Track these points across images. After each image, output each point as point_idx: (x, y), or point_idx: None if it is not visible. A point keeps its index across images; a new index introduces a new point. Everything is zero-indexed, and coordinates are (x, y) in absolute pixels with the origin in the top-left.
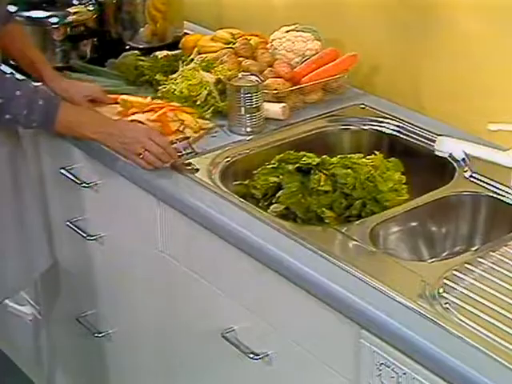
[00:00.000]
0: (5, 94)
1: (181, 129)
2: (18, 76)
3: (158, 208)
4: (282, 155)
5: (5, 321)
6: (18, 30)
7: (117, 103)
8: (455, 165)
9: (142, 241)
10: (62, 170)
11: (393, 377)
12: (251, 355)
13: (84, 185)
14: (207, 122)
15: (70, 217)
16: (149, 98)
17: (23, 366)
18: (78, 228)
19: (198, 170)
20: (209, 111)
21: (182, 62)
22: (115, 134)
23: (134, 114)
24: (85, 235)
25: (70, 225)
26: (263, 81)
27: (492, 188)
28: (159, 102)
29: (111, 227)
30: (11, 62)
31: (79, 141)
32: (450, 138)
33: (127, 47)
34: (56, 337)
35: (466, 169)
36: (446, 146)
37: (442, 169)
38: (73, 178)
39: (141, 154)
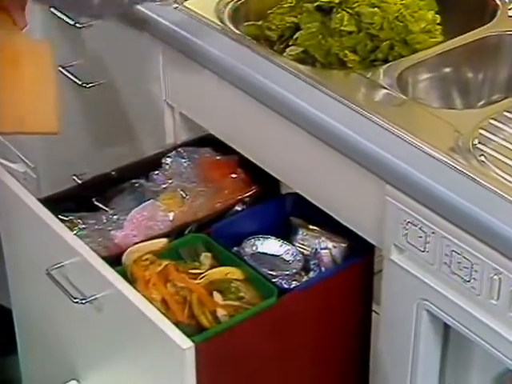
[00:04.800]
0: None
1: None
2: None
3: (160, 53)
4: None
5: None
6: None
7: None
8: (498, 1)
9: (145, 89)
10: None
11: (420, 236)
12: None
13: (77, 25)
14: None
15: (62, 63)
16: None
17: None
18: (72, 75)
19: None
20: None
21: None
22: None
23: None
24: (80, 83)
25: (63, 71)
26: None
27: None
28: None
29: (109, 74)
30: None
31: None
32: None
33: None
34: None
35: (511, 6)
36: None
37: (482, 7)
38: (64, 17)
39: None
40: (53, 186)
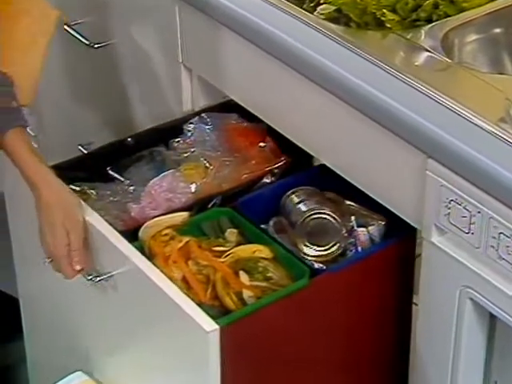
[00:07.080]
0: None
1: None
2: None
3: (177, 11)
4: None
5: None
6: None
7: None
8: None
9: (159, 50)
10: None
11: (465, 216)
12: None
13: None
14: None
15: (69, 20)
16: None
17: None
18: (79, 34)
19: None
20: None
21: None
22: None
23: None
24: (88, 42)
25: (69, 29)
26: None
27: None
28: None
29: (120, 33)
30: None
31: None
32: None
33: None
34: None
35: None
36: None
37: None
38: None
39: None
40: (56, 157)
